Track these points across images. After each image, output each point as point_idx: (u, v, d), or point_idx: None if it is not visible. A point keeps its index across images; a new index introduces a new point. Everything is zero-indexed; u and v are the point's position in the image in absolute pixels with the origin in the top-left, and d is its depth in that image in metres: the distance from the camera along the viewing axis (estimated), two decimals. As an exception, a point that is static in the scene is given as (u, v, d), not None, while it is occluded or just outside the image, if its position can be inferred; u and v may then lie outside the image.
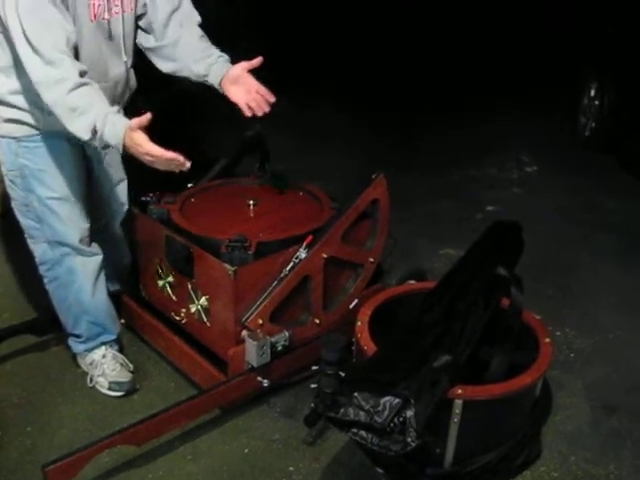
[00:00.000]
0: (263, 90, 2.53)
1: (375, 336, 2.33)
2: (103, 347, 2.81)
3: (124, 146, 2.20)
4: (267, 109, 2.53)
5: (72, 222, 2.60)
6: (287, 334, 2.58)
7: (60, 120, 2.22)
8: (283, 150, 3.75)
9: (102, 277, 2.76)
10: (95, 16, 2.36)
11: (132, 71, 2.62)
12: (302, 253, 2.58)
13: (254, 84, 2.53)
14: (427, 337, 2.17)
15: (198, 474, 2.39)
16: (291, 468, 2.42)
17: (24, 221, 2.61)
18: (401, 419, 1.93)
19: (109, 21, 2.41)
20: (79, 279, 2.68)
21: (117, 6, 2.42)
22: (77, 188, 2.59)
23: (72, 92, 2.18)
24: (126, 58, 2.53)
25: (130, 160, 2.38)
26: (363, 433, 1.97)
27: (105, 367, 2.77)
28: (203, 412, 2.54)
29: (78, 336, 2.80)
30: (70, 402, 2.72)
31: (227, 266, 2.45)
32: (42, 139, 2.45)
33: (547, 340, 2.35)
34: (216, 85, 2.56)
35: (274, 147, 3.25)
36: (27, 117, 2.42)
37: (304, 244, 2.60)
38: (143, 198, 2.86)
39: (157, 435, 2.41)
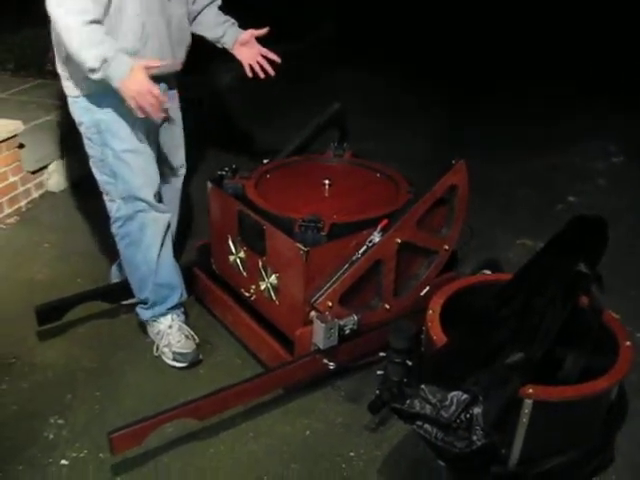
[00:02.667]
0: (266, 52, 2.90)
1: (446, 326, 2.26)
2: (169, 316, 2.85)
3: (122, 84, 2.32)
4: (271, 72, 2.90)
5: (145, 176, 2.66)
6: (356, 318, 2.55)
7: (68, 45, 2.29)
8: (362, 129, 3.68)
9: (169, 236, 2.82)
10: None
11: (187, 21, 2.72)
12: (376, 237, 2.53)
13: (259, 49, 2.91)
14: (500, 332, 2.09)
15: (258, 452, 2.39)
16: (352, 454, 2.39)
17: (100, 177, 2.67)
18: (468, 416, 1.87)
19: None
20: (149, 236, 2.72)
21: None
22: (149, 142, 2.67)
23: (90, 25, 2.26)
24: (185, 21, 2.69)
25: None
26: (428, 427, 1.92)
27: (171, 338, 2.80)
28: (267, 391, 2.54)
29: (145, 302, 2.84)
30: (138, 371, 2.77)
31: (299, 246, 2.42)
32: (113, 94, 2.44)
33: (627, 343, 2.23)
34: (229, 46, 2.92)
35: (354, 126, 3.21)
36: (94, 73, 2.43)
37: (378, 228, 2.54)
38: (219, 172, 2.85)
39: (220, 411, 2.43)
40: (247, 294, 2.79)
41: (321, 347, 2.50)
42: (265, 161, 3.00)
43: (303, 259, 2.43)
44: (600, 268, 2.24)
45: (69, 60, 2.45)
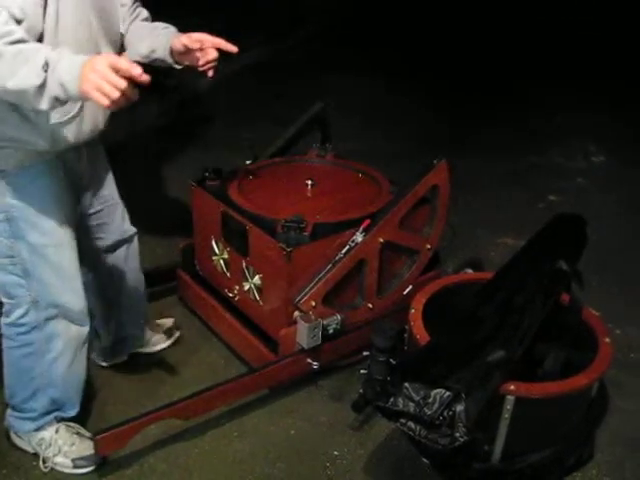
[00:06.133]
0: (219, 43, 2.16)
1: (428, 325, 2.29)
2: (55, 422, 2.36)
3: (80, 83, 1.66)
4: (212, 74, 2.21)
5: (69, 274, 2.18)
6: (339, 317, 2.56)
7: None
8: (344, 129, 3.70)
9: (84, 351, 2.34)
10: None
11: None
12: (358, 237, 2.55)
13: (210, 42, 2.16)
14: (482, 329, 2.12)
15: (243, 452, 2.40)
16: (336, 452, 2.41)
17: (4, 278, 2.12)
18: (451, 413, 1.90)
19: None
20: (58, 349, 2.23)
21: None
22: (73, 230, 2.18)
23: (17, 44, 1.68)
24: (117, 38, 2.15)
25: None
26: (411, 424, 1.95)
27: (61, 443, 2.32)
28: (252, 391, 2.54)
29: (28, 411, 2.32)
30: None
31: (282, 246, 2.43)
32: (36, 171, 2.01)
33: (607, 340, 2.27)
34: (166, 57, 2.21)
35: (336, 126, 3.22)
36: (21, 140, 1.94)
37: (361, 228, 2.56)
38: (203, 173, 2.85)
39: (205, 411, 2.43)
40: (231, 295, 2.80)
41: (305, 347, 2.51)
42: (248, 162, 3.00)
43: (286, 259, 2.44)
44: (580, 266, 2.27)
45: None
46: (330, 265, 2.53)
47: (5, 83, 1.67)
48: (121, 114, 1.90)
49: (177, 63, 2.23)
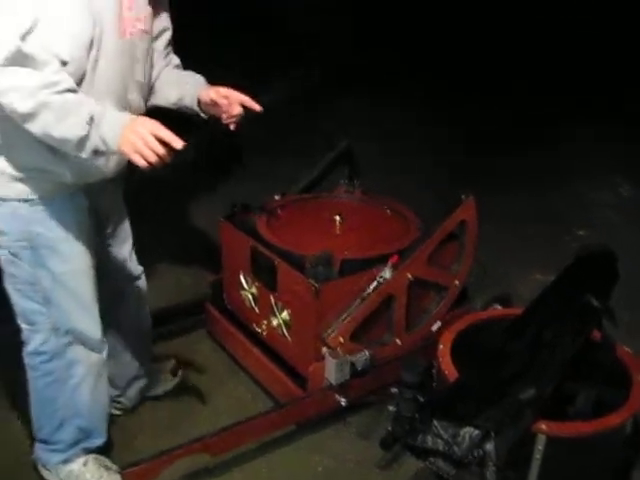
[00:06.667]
0: (245, 101, 2.24)
1: (457, 361, 2.28)
2: (83, 454, 2.36)
3: (120, 141, 1.81)
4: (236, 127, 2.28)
5: (87, 302, 2.21)
6: (368, 353, 2.55)
7: (42, 125, 1.78)
8: (371, 164, 3.72)
9: (104, 376, 2.36)
10: (125, 32, 1.98)
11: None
12: (387, 272, 2.55)
13: (236, 98, 2.24)
14: (511, 366, 2.10)
15: (271, 488, 2.39)
16: (364, 491, 2.39)
17: (24, 304, 2.15)
18: (481, 452, 1.88)
19: (134, 40, 2.04)
20: (79, 374, 2.24)
21: (141, 22, 2.05)
22: (92, 258, 2.21)
23: (64, 93, 1.78)
24: (146, 86, 2.20)
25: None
26: (440, 463, 1.93)
27: (89, 477, 2.32)
28: (280, 427, 2.54)
29: (56, 443, 2.32)
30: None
31: (311, 282, 2.44)
32: (61, 200, 2.05)
33: None
34: (193, 106, 2.31)
35: (362, 160, 3.24)
36: (48, 171, 1.99)
37: (389, 263, 2.56)
38: (232, 208, 2.88)
39: (233, 447, 2.43)
40: (259, 329, 2.81)
41: (333, 383, 2.50)
42: (277, 197, 3.03)
43: (314, 295, 2.44)
44: (612, 302, 2.25)
45: (9, 147, 1.96)
46: (358, 301, 2.53)
47: (51, 131, 1.79)
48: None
49: (203, 112, 2.32)
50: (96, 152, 1.84)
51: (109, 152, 1.87)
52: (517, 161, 5.23)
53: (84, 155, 1.83)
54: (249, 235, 2.75)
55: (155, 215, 2.54)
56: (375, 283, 2.55)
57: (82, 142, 1.80)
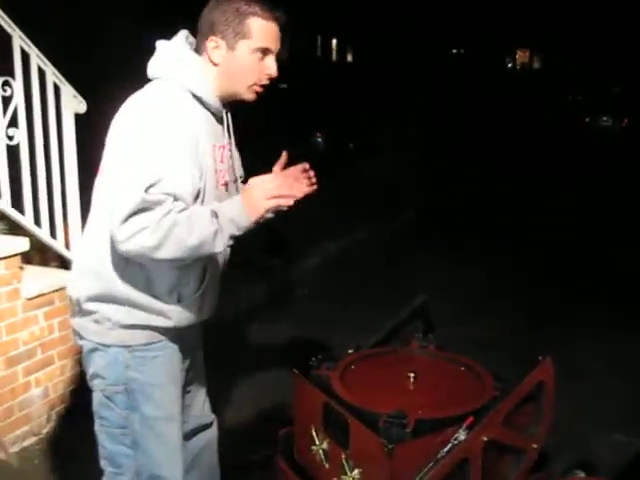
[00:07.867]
0: (300, 169, 2.20)
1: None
2: None
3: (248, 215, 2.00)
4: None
5: (174, 449, 2.22)
6: (441, 519, 2.46)
7: (175, 242, 1.90)
8: (445, 317, 3.72)
9: None
10: (218, 182, 2.18)
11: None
12: (461, 434, 2.49)
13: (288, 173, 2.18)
14: None
15: None
16: None
17: (112, 447, 2.17)
18: None
19: (228, 188, 2.24)
20: None
21: (228, 173, 2.24)
22: (181, 404, 2.25)
23: (184, 211, 1.95)
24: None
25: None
26: None
27: None
28: None
29: None
30: None
31: (384, 442, 2.40)
32: (159, 346, 2.13)
33: None
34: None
35: (435, 313, 3.25)
36: (154, 317, 2.08)
37: (464, 425, 2.51)
38: (309, 362, 2.90)
39: None
40: (329, 487, 2.75)
41: None
42: (350, 351, 3.04)
43: (387, 455, 2.40)
44: None
45: (114, 294, 2.05)
46: (432, 463, 2.47)
47: (186, 242, 1.92)
48: (230, 293, 2.08)
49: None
50: (231, 237, 2.01)
51: (242, 230, 2.03)
52: (588, 304, 5.13)
53: (221, 247, 1.99)
54: (322, 390, 2.75)
55: (224, 361, 2.55)
56: (449, 445, 2.49)
57: (216, 235, 1.96)
